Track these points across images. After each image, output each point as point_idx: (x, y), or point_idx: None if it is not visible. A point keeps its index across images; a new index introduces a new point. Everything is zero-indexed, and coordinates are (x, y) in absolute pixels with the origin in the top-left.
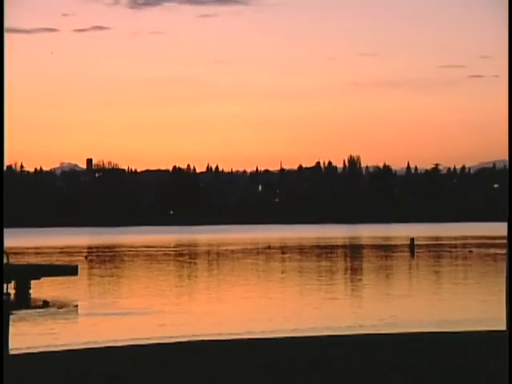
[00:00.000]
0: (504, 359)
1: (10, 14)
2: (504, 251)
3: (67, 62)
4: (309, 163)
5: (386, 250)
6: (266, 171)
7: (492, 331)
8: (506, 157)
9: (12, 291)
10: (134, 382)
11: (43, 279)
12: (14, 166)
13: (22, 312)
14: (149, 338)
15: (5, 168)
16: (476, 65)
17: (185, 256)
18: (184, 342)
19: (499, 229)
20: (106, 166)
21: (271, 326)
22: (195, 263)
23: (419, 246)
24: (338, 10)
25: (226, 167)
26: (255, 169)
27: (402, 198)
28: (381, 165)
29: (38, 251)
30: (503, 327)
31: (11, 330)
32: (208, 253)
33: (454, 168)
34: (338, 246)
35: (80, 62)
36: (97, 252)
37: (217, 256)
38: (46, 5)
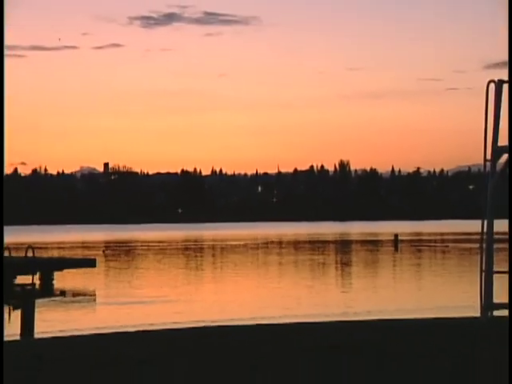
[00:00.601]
0: (479, 343)
1: (37, 33)
2: (477, 245)
3: (87, 76)
4: (303, 167)
5: (372, 244)
6: (265, 174)
7: (467, 317)
8: (480, 161)
9: (37, 282)
10: (162, 365)
11: (65, 271)
12: (39, 170)
13: (46, 300)
14: (165, 324)
15: (23, 170)
16: (452, 78)
17: (192, 250)
18: (212, 327)
19: (474, 225)
20: (121, 169)
21: (275, 312)
22: (201, 256)
23: (402, 241)
24: (328, 30)
25: (228, 170)
26: (255, 171)
27: (387, 199)
28: (368, 168)
29: (60, 246)
30: (477, 314)
31: (36, 316)
32: (213, 247)
33: (434, 171)
34: (329, 242)
35: (98, 76)
36: (113, 246)
37: (221, 250)
38: (67, 25)
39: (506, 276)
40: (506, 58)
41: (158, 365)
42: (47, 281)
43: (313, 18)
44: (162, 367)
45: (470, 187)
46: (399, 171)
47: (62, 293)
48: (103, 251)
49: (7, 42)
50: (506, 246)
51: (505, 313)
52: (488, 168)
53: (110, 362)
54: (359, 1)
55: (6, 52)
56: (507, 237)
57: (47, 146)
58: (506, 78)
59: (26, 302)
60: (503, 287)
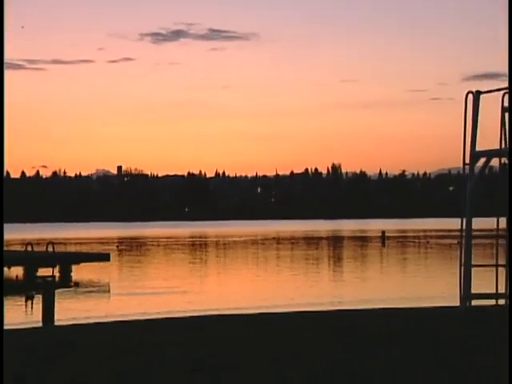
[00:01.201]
0: (458, 330)
1: (56, 48)
2: (457, 241)
3: (102, 87)
4: (299, 169)
5: (362, 240)
6: (264, 176)
7: (448, 307)
8: (460, 164)
9: (57, 274)
10: (183, 350)
11: (82, 264)
12: (58, 172)
13: (65, 290)
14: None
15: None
16: (435, 90)
17: (197, 245)
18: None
19: (454, 223)
20: (133, 171)
21: (279, 301)
22: (206, 251)
23: (389, 237)
24: (322, 45)
25: (230, 172)
26: (255, 174)
27: (375, 199)
28: (358, 171)
29: (77, 242)
30: (457, 303)
31: (56, 305)
32: (216, 243)
33: (418, 173)
34: (323, 238)
35: (112, 88)
36: (125, 242)
37: (223, 246)
38: (84, 40)
39: (483, 269)
40: (482, 71)
41: (178, 349)
42: (66, 273)
43: (308, 34)
44: (177, 353)
45: (451, 188)
46: (386, 174)
47: (79, 284)
48: (117, 246)
49: (30, 57)
50: (483, 242)
51: (481, 302)
52: (467, 171)
53: (124, 347)
54: (352, 19)
55: (29, 66)
56: (485, 233)
57: (66, 150)
58: (482, 89)
59: (46, 292)
60: (480, 279)
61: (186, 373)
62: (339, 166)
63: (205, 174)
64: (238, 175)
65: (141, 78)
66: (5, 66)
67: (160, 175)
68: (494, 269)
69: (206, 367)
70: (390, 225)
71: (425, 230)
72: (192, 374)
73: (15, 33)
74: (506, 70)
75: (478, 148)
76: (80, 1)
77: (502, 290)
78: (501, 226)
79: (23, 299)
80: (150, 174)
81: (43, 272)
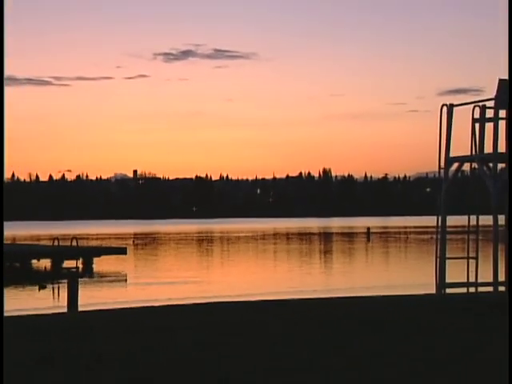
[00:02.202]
0: (435, 315)
1: (80, 66)
2: (433, 236)
3: (120, 100)
4: (294, 173)
5: (349, 236)
6: (263, 179)
7: (425, 294)
8: (435, 168)
9: (80, 265)
10: (194, 333)
11: (102, 257)
12: (81, 176)
13: (87, 280)
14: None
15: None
16: (414, 103)
17: (204, 240)
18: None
19: (431, 220)
20: (147, 175)
21: (280, 288)
22: (212, 245)
23: (374, 233)
24: (314, 63)
25: (233, 176)
26: (255, 177)
27: (361, 199)
28: (346, 174)
29: (98, 237)
30: (433, 291)
31: (79, 292)
32: (221, 238)
33: (399, 176)
34: (315, 234)
35: (129, 101)
36: (140, 237)
37: (227, 240)
38: (104, 59)
39: (456, 261)
40: (455, 86)
41: (198, 331)
42: (88, 265)
43: (301, 53)
44: (188, 335)
45: (428, 190)
46: (371, 177)
47: (100, 274)
48: (133, 241)
49: (57, 74)
50: (456, 237)
51: (455, 290)
52: (442, 174)
53: (139, 329)
54: (340, 40)
55: (55, 82)
56: (457, 229)
57: (88, 156)
58: (455, 102)
59: (71, 281)
60: (454, 270)
61: (197, 352)
62: (329, 170)
63: (210, 177)
64: (239, 178)
65: (154, 93)
66: (35, 82)
67: (171, 178)
68: (466, 261)
69: (215, 348)
70: (375, 222)
71: (405, 227)
72: (202, 353)
73: (44, 53)
74: (474, 85)
75: (452, 154)
76: (101, 25)
77: (472, 279)
78: (472, 223)
79: (50, 288)
80: (162, 177)
81: (68, 264)
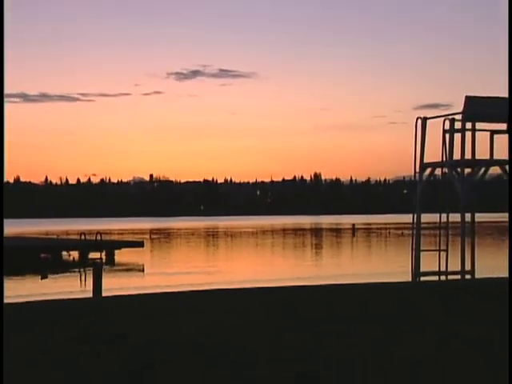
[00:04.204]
0: (411, 300)
1: (102, 83)
2: (409, 231)
3: (137, 114)
4: (289, 176)
5: (337, 232)
6: (262, 182)
7: (402, 282)
8: (412, 172)
9: (103, 257)
10: (203, 317)
11: (122, 249)
12: (105, 179)
13: (109, 269)
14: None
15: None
16: (393, 116)
17: (212, 235)
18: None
19: (407, 218)
20: (162, 178)
21: (275, 276)
22: (218, 240)
23: (358, 229)
24: (306, 81)
25: (236, 179)
26: (255, 180)
27: (348, 199)
28: (334, 178)
29: (119, 232)
30: (409, 279)
31: (103, 280)
32: (226, 233)
33: (380, 180)
34: (307, 229)
35: (145, 114)
36: (156, 233)
37: (231, 236)
38: (124, 78)
39: (429, 253)
40: (428, 102)
41: (213, 314)
42: (110, 256)
43: (296, 72)
44: (197, 318)
45: (405, 191)
46: (356, 180)
47: (120, 265)
48: (150, 236)
49: (83, 91)
50: (429, 232)
51: (428, 278)
52: (417, 178)
53: (154, 313)
54: (327, 60)
55: (82, 98)
56: (430, 226)
57: (110, 162)
58: (428, 115)
59: (96, 270)
60: (427, 260)
61: (203, 336)
62: (320, 174)
63: (216, 180)
64: (241, 181)
65: (167, 107)
66: (65, 99)
67: (182, 181)
68: (438, 253)
69: (221, 330)
70: (359, 219)
71: (385, 223)
72: (210, 336)
73: (72, 73)
74: (444, 101)
75: (426, 160)
76: (121, 48)
77: (443, 268)
78: (443, 220)
79: (78, 276)
80: (174, 180)
81: (93, 255)
